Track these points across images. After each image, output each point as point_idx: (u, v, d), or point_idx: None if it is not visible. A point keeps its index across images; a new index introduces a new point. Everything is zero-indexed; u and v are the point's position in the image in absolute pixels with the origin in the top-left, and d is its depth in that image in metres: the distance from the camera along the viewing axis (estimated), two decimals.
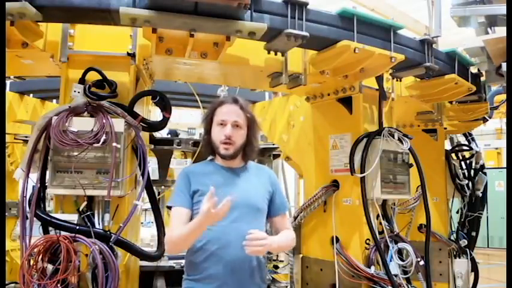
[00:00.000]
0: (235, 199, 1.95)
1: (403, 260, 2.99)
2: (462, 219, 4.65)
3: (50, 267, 2.12)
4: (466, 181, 4.59)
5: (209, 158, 2.27)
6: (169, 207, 2.14)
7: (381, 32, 2.66)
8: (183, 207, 2.08)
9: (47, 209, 2.36)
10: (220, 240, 2.02)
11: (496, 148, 13.20)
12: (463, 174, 4.63)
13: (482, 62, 3.32)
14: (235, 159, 2.18)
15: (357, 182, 3.01)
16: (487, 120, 4.58)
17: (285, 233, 2.20)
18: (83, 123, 2.30)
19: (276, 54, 2.53)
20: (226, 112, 2.13)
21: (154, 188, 2.80)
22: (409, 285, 2.98)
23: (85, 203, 2.32)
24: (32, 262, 2.14)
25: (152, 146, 3.67)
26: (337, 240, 3.11)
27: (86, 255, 2.21)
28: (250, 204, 2.11)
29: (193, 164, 2.40)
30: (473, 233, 4.61)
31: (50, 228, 2.26)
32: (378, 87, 3.14)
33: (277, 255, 6.02)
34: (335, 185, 3.22)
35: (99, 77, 2.42)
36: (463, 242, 4.43)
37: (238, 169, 2.20)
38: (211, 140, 2.17)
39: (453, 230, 4.54)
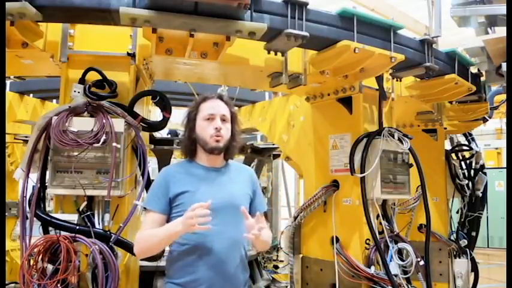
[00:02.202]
0: (220, 200, 1.94)
1: (403, 260, 2.99)
2: (462, 219, 4.66)
3: (50, 267, 2.12)
4: (466, 181, 4.59)
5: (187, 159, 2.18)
6: (145, 209, 2.05)
7: (381, 32, 2.65)
8: (158, 212, 2.00)
9: (47, 209, 2.37)
10: (206, 242, 1.96)
11: (496, 148, 13.20)
12: (463, 174, 4.63)
13: (482, 62, 3.32)
14: (219, 156, 2.12)
15: (357, 182, 3.01)
16: (487, 120, 4.58)
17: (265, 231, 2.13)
18: (83, 123, 2.30)
19: (276, 54, 2.53)
20: (212, 106, 2.08)
21: None
22: (409, 285, 2.98)
23: (85, 203, 2.32)
24: (32, 262, 2.14)
25: (152, 146, 3.67)
26: (337, 240, 3.11)
27: (86, 255, 2.21)
28: (235, 205, 2.02)
29: (173, 164, 2.32)
30: (473, 233, 4.61)
31: (50, 228, 2.26)
32: (378, 87, 3.14)
33: (277, 256, 6.03)
34: (335, 185, 3.22)
35: (99, 77, 2.42)
36: (463, 242, 4.43)
37: (222, 169, 2.14)
38: (196, 136, 2.07)
39: (453, 230, 4.55)
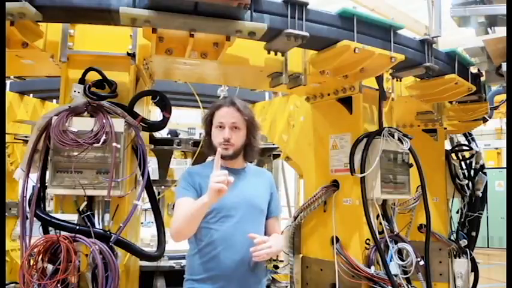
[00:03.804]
0: (236, 199, 1.98)
1: (403, 260, 2.99)
2: (462, 219, 4.65)
3: (50, 267, 2.12)
4: (466, 181, 4.58)
5: (210, 158, 2.29)
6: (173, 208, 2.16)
7: (381, 32, 2.65)
8: (190, 197, 2.10)
9: (47, 209, 2.36)
10: (225, 240, 2.04)
11: (496, 148, 13.22)
12: (463, 174, 4.62)
13: (482, 62, 3.31)
14: (236, 159, 2.22)
15: (357, 182, 3.01)
16: (487, 120, 4.57)
17: (277, 237, 2.24)
18: (83, 123, 2.30)
19: (276, 54, 2.52)
20: (223, 115, 2.19)
21: (154, 188, 2.80)
22: (409, 285, 2.97)
23: (85, 203, 2.32)
24: (32, 262, 2.14)
25: (152, 146, 3.66)
26: (337, 240, 3.11)
27: (86, 255, 2.21)
28: (254, 205, 2.14)
29: (195, 165, 2.44)
30: (473, 233, 4.60)
31: (50, 228, 2.25)
32: (378, 87, 3.14)
33: (277, 255, 6.01)
34: (335, 185, 3.22)
35: (99, 77, 2.41)
36: (463, 242, 4.42)
37: (240, 170, 2.23)
38: (211, 141, 2.22)
39: (453, 230, 4.54)
